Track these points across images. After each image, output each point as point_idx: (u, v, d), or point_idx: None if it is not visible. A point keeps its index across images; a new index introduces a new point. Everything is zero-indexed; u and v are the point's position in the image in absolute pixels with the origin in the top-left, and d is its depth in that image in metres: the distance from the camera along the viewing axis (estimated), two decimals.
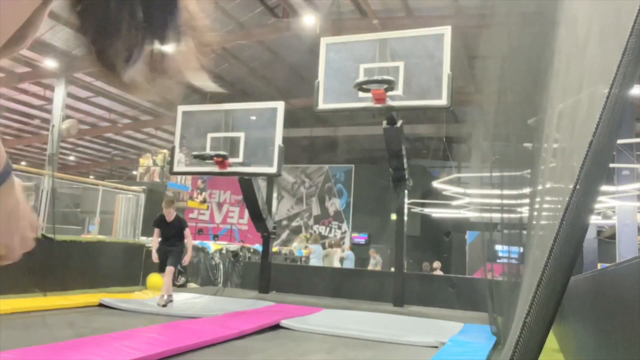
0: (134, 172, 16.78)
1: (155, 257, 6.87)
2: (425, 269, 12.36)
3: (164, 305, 6.42)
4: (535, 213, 3.42)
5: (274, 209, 9.39)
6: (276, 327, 5.50)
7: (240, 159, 7.59)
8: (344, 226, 20.65)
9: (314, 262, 12.89)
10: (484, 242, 8.45)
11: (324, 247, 14.05)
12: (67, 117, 15.01)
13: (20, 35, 0.57)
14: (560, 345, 5.55)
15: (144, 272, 9.57)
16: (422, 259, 16.13)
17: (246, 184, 8.01)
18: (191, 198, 16.20)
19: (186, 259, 6.97)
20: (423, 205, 16.95)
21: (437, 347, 4.90)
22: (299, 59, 15.43)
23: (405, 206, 8.27)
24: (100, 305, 6.57)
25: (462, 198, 14.88)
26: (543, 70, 3.52)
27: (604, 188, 10.27)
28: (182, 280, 10.17)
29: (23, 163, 24.23)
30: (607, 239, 15.30)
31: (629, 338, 2.17)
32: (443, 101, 6.32)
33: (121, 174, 26.00)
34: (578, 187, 1.40)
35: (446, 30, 6.47)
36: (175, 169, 8.21)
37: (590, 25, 2.05)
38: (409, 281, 8.48)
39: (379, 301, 8.20)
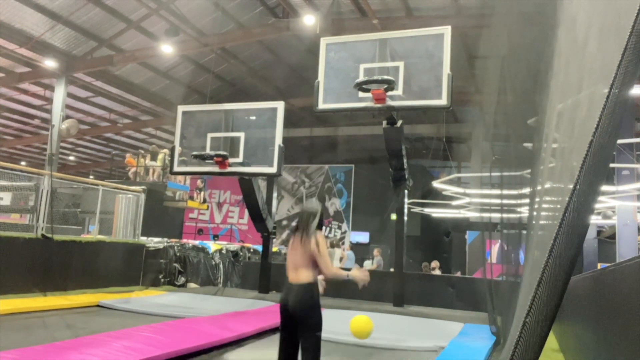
0: (130, 173, 16.76)
1: None
2: (424, 269, 12.33)
3: None
4: (535, 213, 3.41)
5: (274, 209, 9.37)
6: (276, 327, 5.50)
7: (240, 159, 7.58)
8: (344, 226, 20.65)
9: None
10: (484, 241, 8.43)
11: None
12: (67, 117, 15.00)
13: None
14: (560, 345, 5.55)
15: (144, 272, 9.57)
16: (422, 259, 16.11)
17: (246, 184, 8.01)
18: (191, 198, 16.18)
19: None
20: (423, 205, 16.94)
21: (436, 351, 4.90)
22: (299, 59, 15.43)
23: (405, 206, 8.26)
24: (100, 305, 6.58)
25: (462, 198, 14.86)
26: (543, 70, 3.52)
27: (604, 188, 10.25)
28: (182, 280, 10.17)
29: (23, 163, 24.22)
30: (607, 239, 15.30)
31: (629, 338, 2.17)
32: (443, 101, 6.32)
33: (121, 174, 25.98)
34: (578, 187, 1.40)
35: (446, 30, 6.47)
36: (175, 169, 8.21)
37: (590, 25, 2.04)
38: (409, 281, 8.47)
39: (379, 301, 8.19)
